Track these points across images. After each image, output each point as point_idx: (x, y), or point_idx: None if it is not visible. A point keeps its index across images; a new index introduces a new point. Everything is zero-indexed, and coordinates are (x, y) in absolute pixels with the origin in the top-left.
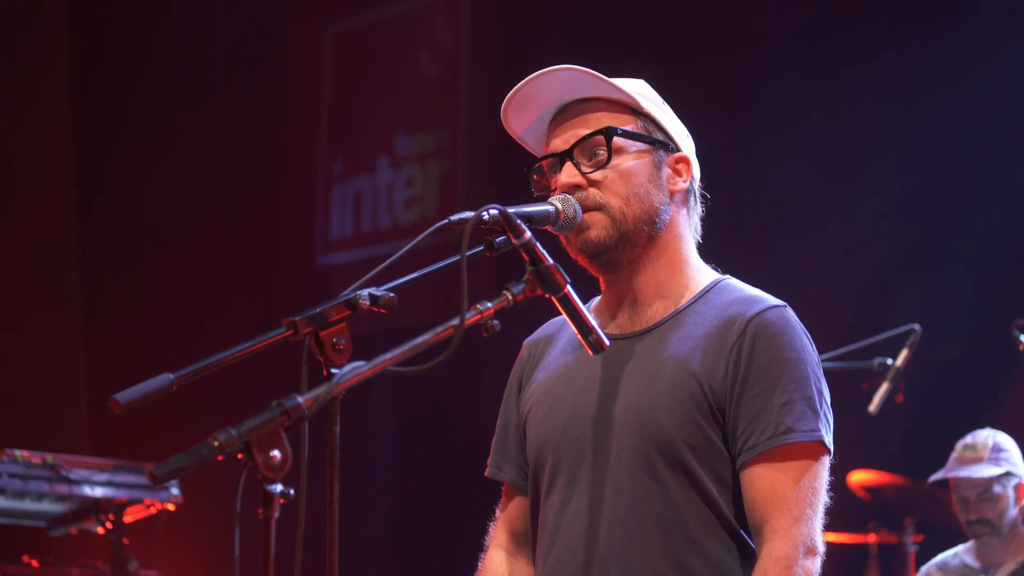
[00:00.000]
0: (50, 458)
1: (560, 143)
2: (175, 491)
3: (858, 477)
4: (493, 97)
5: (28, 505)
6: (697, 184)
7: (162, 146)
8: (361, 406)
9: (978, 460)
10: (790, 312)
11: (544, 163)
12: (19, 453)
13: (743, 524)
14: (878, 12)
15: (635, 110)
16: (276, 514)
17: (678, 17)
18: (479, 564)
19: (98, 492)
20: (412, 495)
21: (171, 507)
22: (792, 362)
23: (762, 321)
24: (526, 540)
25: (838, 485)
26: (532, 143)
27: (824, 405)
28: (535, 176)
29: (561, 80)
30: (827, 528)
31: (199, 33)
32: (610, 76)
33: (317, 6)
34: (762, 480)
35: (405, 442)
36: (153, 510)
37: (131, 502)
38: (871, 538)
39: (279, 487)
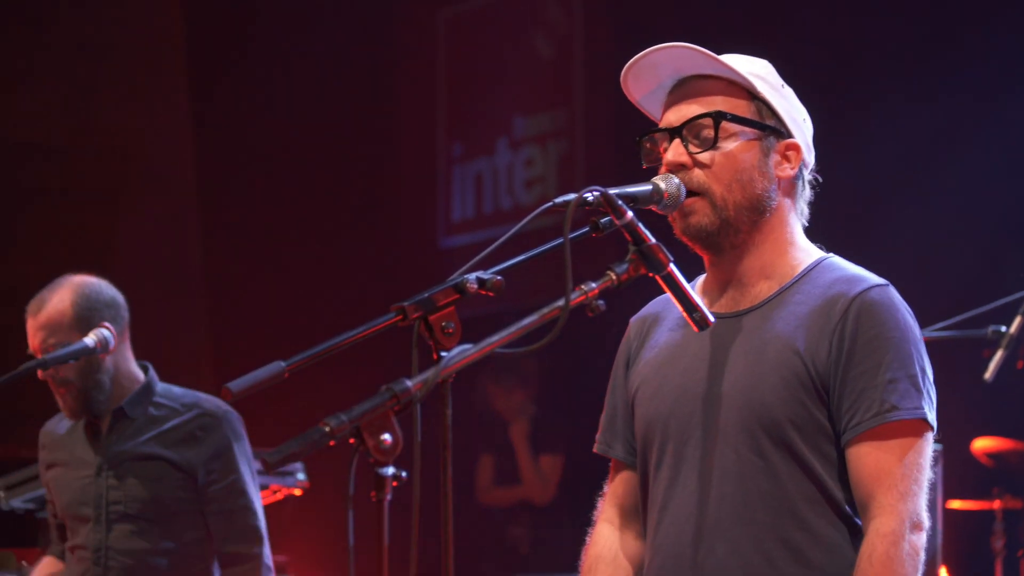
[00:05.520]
0: None
1: (673, 118)
2: (301, 476)
3: (981, 444)
4: (609, 75)
5: None
6: (808, 170)
7: (281, 133)
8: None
9: None
10: (892, 290)
11: (657, 134)
12: None
13: (849, 501)
14: None
15: (751, 92)
16: (388, 496)
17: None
18: (587, 539)
19: None
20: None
21: (298, 492)
22: (895, 340)
23: (865, 300)
24: (633, 515)
25: (962, 453)
26: (651, 109)
27: (927, 383)
28: (647, 145)
29: (678, 56)
30: (952, 495)
31: (312, 22)
32: (732, 52)
33: None
34: (868, 457)
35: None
36: (280, 495)
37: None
38: (995, 504)
39: (391, 470)
